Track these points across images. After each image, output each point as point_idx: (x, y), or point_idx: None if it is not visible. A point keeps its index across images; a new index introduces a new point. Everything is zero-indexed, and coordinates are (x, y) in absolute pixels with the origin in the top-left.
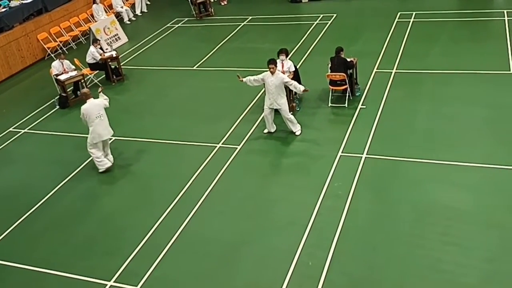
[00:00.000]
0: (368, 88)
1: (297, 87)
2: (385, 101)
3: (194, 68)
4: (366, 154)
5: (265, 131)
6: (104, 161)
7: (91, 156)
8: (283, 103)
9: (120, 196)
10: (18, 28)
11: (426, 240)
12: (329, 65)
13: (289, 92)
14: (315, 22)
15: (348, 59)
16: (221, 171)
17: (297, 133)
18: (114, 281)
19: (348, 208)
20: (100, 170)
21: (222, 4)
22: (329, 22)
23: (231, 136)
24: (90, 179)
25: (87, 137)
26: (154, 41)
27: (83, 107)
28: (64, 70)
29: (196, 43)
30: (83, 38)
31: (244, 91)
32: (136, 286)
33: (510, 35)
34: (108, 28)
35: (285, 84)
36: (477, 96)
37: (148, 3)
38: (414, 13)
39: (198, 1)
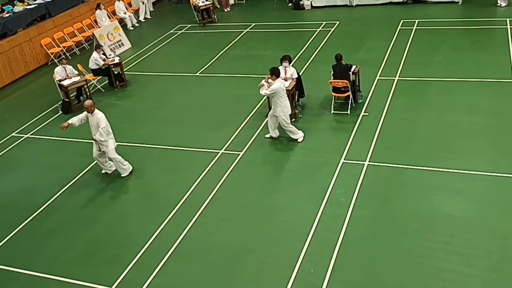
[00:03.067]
0: (371, 96)
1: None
2: (387, 108)
3: (197, 74)
4: (369, 161)
5: (267, 135)
6: (128, 165)
7: (117, 161)
8: (278, 112)
9: (122, 203)
10: (21, 33)
11: (428, 248)
12: (332, 73)
13: (291, 99)
14: (318, 30)
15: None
16: (223, 178)
17: (299, 140)
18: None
19: (350, 216)
20: (123, 175)
21: (225, 10)
22: (332, 29)
23: (234, 142)
24: (93, 185)
25: (89, 142)
26: (157, 47)
27: (104, 116)
28: (67, 75)
29: (199, 50)
30: (86, 44)
31: (246, 97)
32: None
33: None
34: (112, 34)
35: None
36: (480, 104)
37: (152, 9)
38: (416, 21)
39: (201, 8)
